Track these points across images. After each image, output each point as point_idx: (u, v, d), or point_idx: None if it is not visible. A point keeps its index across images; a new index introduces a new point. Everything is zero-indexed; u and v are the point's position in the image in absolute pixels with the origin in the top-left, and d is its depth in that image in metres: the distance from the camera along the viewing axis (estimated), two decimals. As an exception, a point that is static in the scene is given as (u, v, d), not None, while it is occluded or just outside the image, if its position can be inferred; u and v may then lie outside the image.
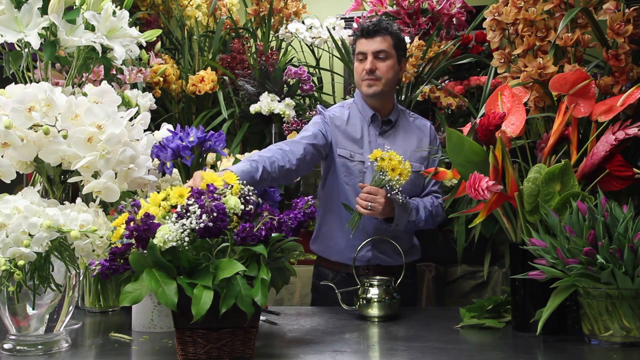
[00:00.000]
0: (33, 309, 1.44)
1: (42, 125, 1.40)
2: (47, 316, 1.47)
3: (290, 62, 3.39)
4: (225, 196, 1.39)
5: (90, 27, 1.69)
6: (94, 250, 1.42)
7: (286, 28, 3.20)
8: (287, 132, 2.91)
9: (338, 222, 2.20)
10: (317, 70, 3.33)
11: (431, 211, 2.15)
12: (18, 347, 1.44)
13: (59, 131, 1.42)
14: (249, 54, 3.18)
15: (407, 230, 2.15)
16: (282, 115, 2.91)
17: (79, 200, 1.49)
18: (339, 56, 3.15)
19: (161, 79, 2.97)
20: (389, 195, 1.99)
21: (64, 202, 1.51)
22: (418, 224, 2.13)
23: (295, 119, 2.92)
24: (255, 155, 1.93)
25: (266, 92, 2.95)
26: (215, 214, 1.31)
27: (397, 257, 2.14)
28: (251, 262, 1.37)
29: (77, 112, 1.45)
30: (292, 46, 3.40)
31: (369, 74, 2.13)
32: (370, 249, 2.14)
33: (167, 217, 1.37)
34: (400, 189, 1.95)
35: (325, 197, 2.25)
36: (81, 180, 1.51)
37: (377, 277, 1.88)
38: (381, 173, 1.95)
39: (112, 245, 1.38)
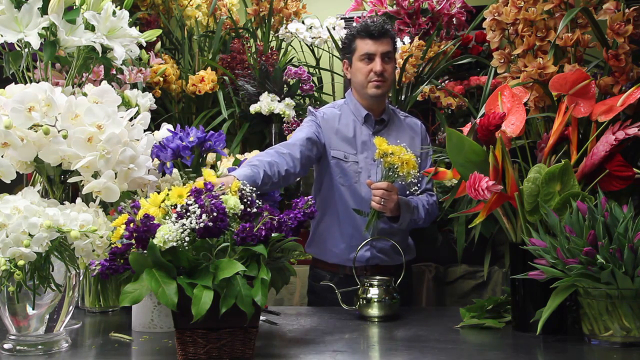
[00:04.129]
0: (33, 309, 1.43)
1: (42, 125, 1.40)
2: (47, 316, 1.47)
3: (290, 62, 3.39)
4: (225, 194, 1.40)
5: (90, 27, 1.69)
6: (94, 250, 1.42)
7: (286, 28, 3.19)
8: (287, 132, 2.91)
9: (336, 224, 2.20)
10: (317, 70, 3.33)
11: (428, 209, 2.17)
12: (18, 347, 1.44)
13: (59, 131, 1.42)
14: (249, 54, 3.18)
15: (408, 228, 2.17)
16: (282, 115, 2.91)
17: (79, 200, 1.49)
18: (339, 56, 3.15)
19: (161, 79, 2.97)
20: (407, 191, 2.02)
21: (64, 202, 1.51)
22: (418, 222, 2.16)
23: (295, 119, 2.91)
24: (254, 159, 1.92)
25: (266, 92, 2.95)
26: (215, 214, 1.31)
27: (396, 257, 2.14)
28: (251, 262, 1.37)
29: (77, 112, 1.44)
30: (292, 46, 3.40)
31: (378, 76, 2.14)
32: (369, 248, 2.14)
33: (167, 217, 1.37)
34: (416, 181, 1.95)
35: (321, 199, 2.24)
36: (81, 180, 1.51)
37: (377, 277, 1.88)
38: (390, 170, 1.94)
39: (112, 245, 1.38)
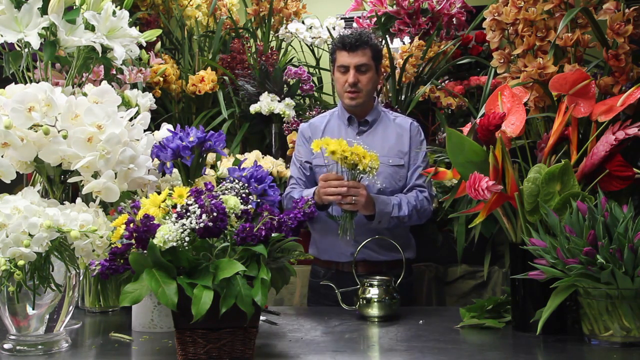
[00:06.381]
0: (33, 309, 1.43)
1: (42, 125, 1.40)
2: (47, 316, 1.47)
3: (290, 62, 3.40)
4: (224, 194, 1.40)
5: (90, 27, 1.69)
6: (94, 250, 1.42)
7: (286, 28, 3.20)
8: (287, 132, 2.91)
9: (322, 223, 2.24)
10: (317, 70, 3.34)
11: (415, 205, 2.16)
12: (18, 347, 1.44)
13: (59, 131, 1.42)
14: (249, 54, 3.18)
15: (391, 226, 2.16)
16: (282, 115, 2.91)
17: (79, 200, 1.49)
18: (339, 56, 3.14)
19: (161, 79, 2.97)
20: (367, 183, 2.04)
21: (64, 202, 1.51)
22: (403, 219, 2.15)
23: (295, 119, 2.91)
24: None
25: (266, 92, 2.95)
26: (215, 214, 1.31)
27: (385, 252, 2.17)
28: (251, 262, 1.37)
29: (77, 112, 1.44)
30: (292, 46, 3.40)
31: (351, 87, 2.21)
32: (353, 243, 2.13)
33: (167, 217, 1.37)
34: (375, 176, 1.94)
35: None
36: (81, 180, 1.51)
37: (377, 277, 1.88)
38: (353, 168, 1.92)
39: (112, 245, 1.38)
